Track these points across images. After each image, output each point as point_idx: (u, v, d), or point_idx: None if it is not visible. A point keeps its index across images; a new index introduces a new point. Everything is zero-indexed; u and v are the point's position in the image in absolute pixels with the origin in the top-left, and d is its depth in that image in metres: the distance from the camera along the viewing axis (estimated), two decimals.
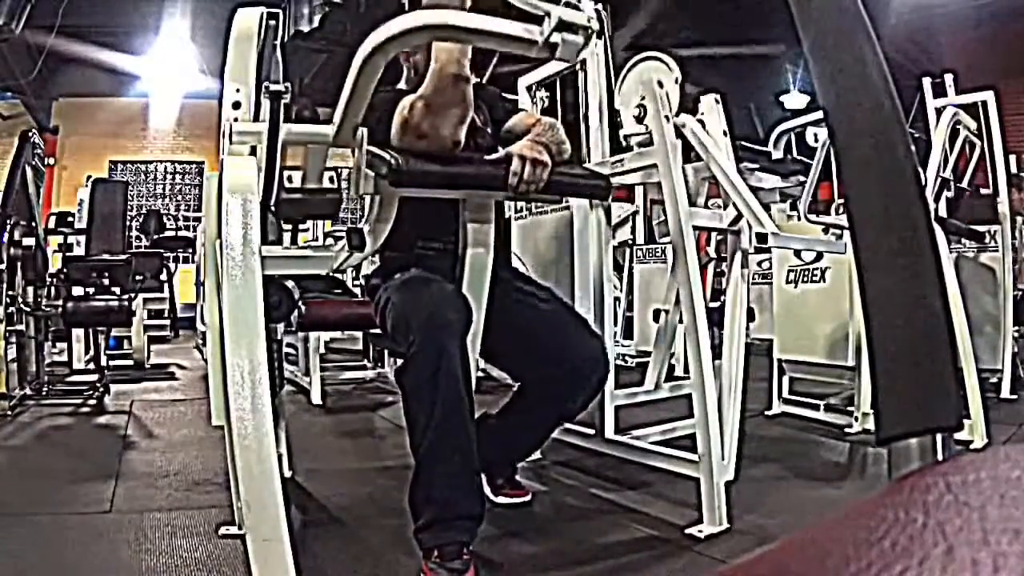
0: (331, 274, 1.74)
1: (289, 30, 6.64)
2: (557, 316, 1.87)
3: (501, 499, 2.04)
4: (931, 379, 0.37)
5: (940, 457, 0.35)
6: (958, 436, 0.37)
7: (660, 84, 2.07)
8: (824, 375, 3.22)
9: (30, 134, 3.56)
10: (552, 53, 1.25)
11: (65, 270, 4.07)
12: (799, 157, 4.57)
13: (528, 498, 2.07)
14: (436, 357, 1.46)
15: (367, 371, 4.43)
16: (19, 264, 3.26)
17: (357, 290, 2.63)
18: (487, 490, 1.97)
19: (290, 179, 2.07)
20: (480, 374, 2.22)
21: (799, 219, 3.27)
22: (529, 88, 2.74)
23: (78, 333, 4.23)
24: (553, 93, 2.73)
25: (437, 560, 1.47)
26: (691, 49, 6.13)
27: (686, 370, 2.34)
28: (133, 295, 3.75)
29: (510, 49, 1.25)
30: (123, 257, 4.26)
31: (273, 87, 1.48)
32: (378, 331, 1.78)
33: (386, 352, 3.73)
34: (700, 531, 1.81)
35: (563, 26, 1.22)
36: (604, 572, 1.62)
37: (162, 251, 6.65)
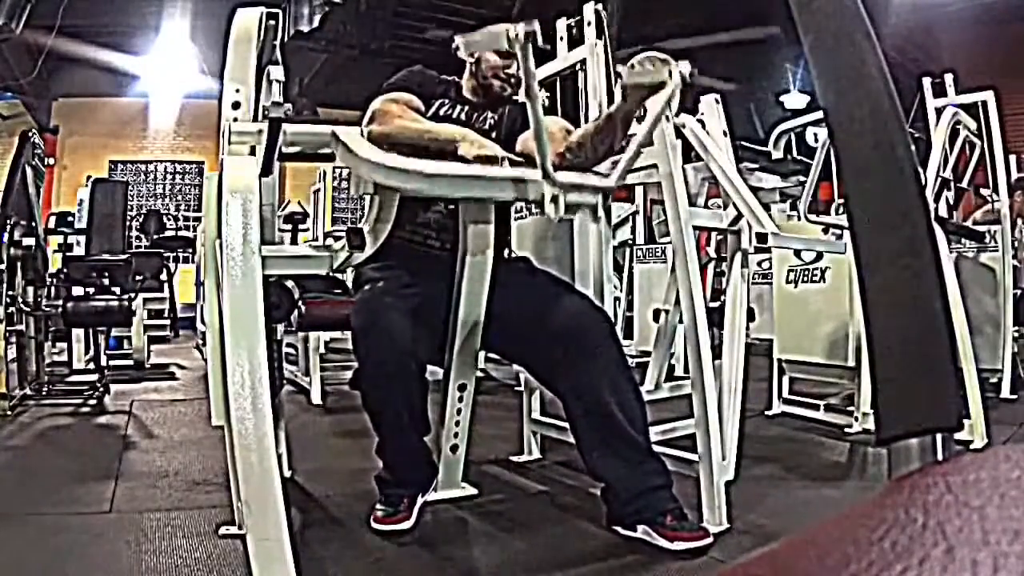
0: (331, 274, 1.74)
1: (289, 30, 6.64)
2: (536, 294, 1.87)
3: (677, 544, 1.67)
4: (931, 379, 0.37)
5: (940, 457, 0.35)
6: (958, 436, 0.37)
7: None
8: (824, 375, 3.22)
9: (30, 134, 3.56)
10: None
11: (65, 270, 4.07)
12: (799, 157, 4.57)
13: (710, 540, 1.69)
14: (379, 384, 1.72)
15: None
16: (19, 264, 3.26)
17: None
18: (659, 539, 1.69)
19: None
20: (480, 374, 2.22)
21: (799, 219, 3.26)
22: None
23: (78, 333, 4.23)
24: (553, 93, 2.73)
25: (383, 501, 1.85)
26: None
27: (686, 370, 2.34)
28: (133, 295, 3.74)
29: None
30: (123, 257, 4.26)
31: (273, 113, 1.47)
32: None
33: None
34: None
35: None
36: (604, 572, 1.62)
37: (162, 251, 6.64)
